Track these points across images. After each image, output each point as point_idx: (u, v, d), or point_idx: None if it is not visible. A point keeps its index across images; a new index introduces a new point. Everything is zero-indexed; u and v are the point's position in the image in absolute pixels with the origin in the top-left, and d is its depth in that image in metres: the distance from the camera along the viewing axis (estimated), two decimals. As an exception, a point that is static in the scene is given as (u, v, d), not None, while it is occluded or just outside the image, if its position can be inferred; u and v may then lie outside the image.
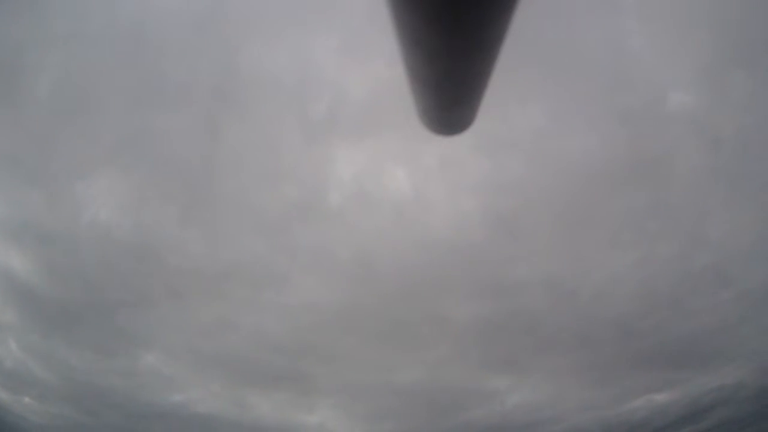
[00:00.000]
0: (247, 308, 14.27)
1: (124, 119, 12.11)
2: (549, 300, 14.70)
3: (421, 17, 0.58)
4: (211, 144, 12.46)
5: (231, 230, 13.35)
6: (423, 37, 0.62)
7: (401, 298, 14.17)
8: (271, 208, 13.22)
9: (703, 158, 14.59)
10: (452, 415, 14.97)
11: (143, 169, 12.84)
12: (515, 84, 13.90)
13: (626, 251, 15.18)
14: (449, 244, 14.01)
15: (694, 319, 15.68)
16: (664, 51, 13.94)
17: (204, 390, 15.61)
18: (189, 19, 11.42)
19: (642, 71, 14.23)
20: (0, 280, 15.14)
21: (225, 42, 11.50)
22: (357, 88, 12.52)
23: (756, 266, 15.56)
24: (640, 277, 15.22)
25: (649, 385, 15.51)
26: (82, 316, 15.26)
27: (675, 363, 15.80)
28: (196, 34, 11.30)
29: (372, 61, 12.31)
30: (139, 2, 11.33)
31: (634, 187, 14.81)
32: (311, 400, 15.13)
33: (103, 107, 12.00)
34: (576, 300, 14.94)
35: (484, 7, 0.56)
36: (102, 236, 13.81)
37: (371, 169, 13.48)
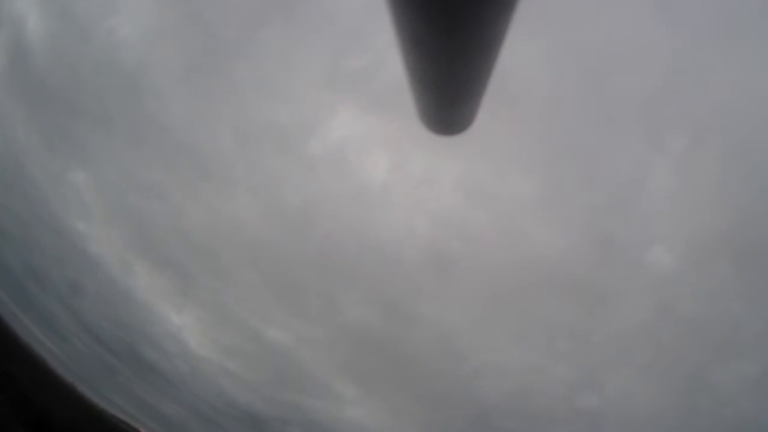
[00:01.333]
0: (186, 189, 14.58)
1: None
2: (435, 350, 14.91)
3: (421, 17, 0.59)
4: (252, 24, 12.81)
5: (220, 111, 13.66)
6: (423, 37, 0.63)
7: (314, 266, 14.44)
8: (259, 117, 13.60)
9: (645, 314, 14.79)
10: (284, 393, 15.11)
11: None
12: (530, 147, 14.32)
13: (526, 353, 15.40)
14: (380, 249, 14.32)
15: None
16: (675, 206, 14.21)
17: (107, 237, 15.79)
18: None
19: (643, 210, 14.54)
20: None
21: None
22: (396, 66, 12.90)
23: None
24: (522, 382, 15.40)
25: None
26: (56, 101, 15.45)
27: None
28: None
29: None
30: None
31: (569, 303, 15.08)
32: (184, 302, 15.28)
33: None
34: (458, 367, 15.13)
35: (484, 7, 0.57)
36: (109, 51, 14.22)
37: (361, 142, 13.88)
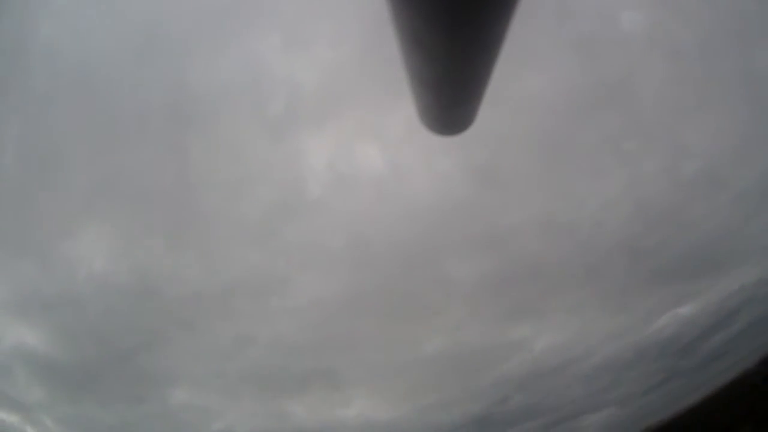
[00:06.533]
0: (257, 319, 14.36)
1: (91, 166, 12.31)
2: (547, 239, 14.69)
3: (421, 18, 0.60)
4: (180, 166, 12.61)
5: (220, 246, 13.46)
6: (423, 37, 0.63)
7: (403, 271, 14.20)
8: (254, 215, 13.33)
9: (667, 70, 14.59)
10: (485, 373, 14.91)
11: (122, 209, 13.01)
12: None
13: (612, 175, 15.16)
14: (436, 207, 14.06)
15: (697, 227, 15.59)
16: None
17: (240, 411, 15.65)
18: (129, 51, 11.62)
19: None
20: (18, 360, 15.22)
21: (169, 65, 11.67)
22: (309, 77, 12.66)
23: (745, 164, 15.45)
24: (633, 197, 15.17)
25: (671, 301, 15.39)
26: (103, 372, 15.36)
27: (690, 274, 15.69)
28: (138, 65, 11.52)
29: (316, 45, 12.49)
30: (76, 48, 11.54)
31: (603, 112, 14.83)
32: (344, 393, 15.12)
33: (68, 161, 12.17)
34: (575, 233, 14.90)
35: (484, 8, 0.58)
36: (101, 286, 13.98)
37: (342, 151, 13.59)
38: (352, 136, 13.67)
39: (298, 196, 13.58)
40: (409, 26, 0.63)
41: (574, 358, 14.60)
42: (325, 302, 14.28)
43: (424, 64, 0.72)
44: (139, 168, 12.97)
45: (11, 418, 15.46)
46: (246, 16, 12.61)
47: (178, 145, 12.80)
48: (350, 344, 14.71)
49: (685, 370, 15.91)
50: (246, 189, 13.49)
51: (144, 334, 14.72)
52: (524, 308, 14.71)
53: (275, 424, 15.50)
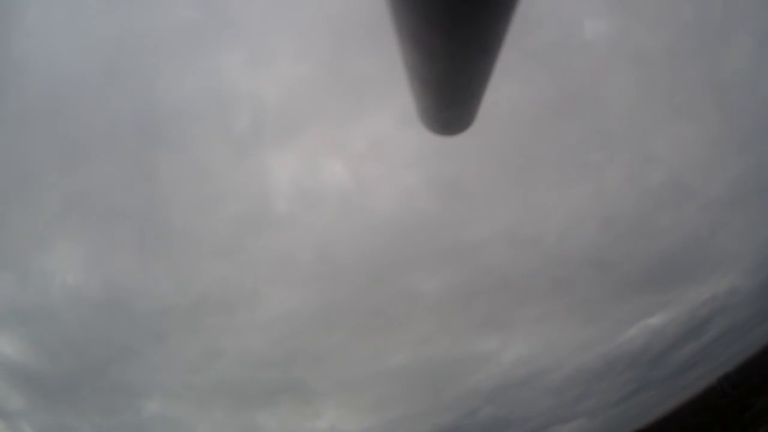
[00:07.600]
0: (226, 333, 14.56)
1: (60, 184, 12.61)
2: (514, 252, 14.79)
3: (421, 17, 0.59)
4: (147, 184, 12.88)
5: (189, 261, 13.69)
6: (423, 37, 0.63)
7: (371, 285, 14.34)
8: (221, 230, 13.58)
9: (631, 78, 14.74)
10: (454, 385, 15.00)
11: (93, 224, 13.33)
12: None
13: (579, 186, 15.32)
14: (403, 221, 14.22)
15: (666, 236, 15.76)
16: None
17: (211, 423, 15.87)
18: (97, 71, 11.89)
19: (551, 5, 14.43)
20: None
21: (137, 83, 11.97)
22: (273, 94, 12.94)
23: (712, 172, 15.62)
24: (600, 207, 15.33)
25: (640, 312, 15.50)
26: (79, 382, 15.66)
27: (660, 284, 15.81)
28: (107, 83, 11.81)
29: (280, 62, 12.74)
30: (46, 68, 11.81)
31: (568, 122, 15.01)
32: (314, 406, 15.29)
33: (40, 178, 12.47)
34: (541, 245, 15.03)
35: (484, 7, 0.58)
36: (74, 299, 14.29)
37: (307, 167, 13.81)
38: (317, 152, 13.90)
39: (264, 211, 13.82)
40: (409, 26, 0.64)
41: (544, 370, 14.66)
42: (293, 315, 14.45)
43: (424, 64, 0.72)
44: (109, 184, 13.26)
45: (-4, 424, 15.73)
46: (211, 33, 12.87)
47: (146, 162, 13.07)
48: (319, 357, 14.86)
49: (656, 380, 15.92)
50: (213, 205, 13.73)
51: (117, 347, 14.97)
52: (492, 321, 14.80)
53: (245, 436, 15.62)
